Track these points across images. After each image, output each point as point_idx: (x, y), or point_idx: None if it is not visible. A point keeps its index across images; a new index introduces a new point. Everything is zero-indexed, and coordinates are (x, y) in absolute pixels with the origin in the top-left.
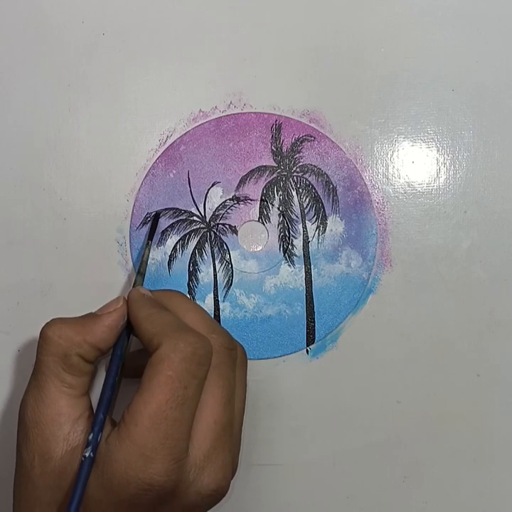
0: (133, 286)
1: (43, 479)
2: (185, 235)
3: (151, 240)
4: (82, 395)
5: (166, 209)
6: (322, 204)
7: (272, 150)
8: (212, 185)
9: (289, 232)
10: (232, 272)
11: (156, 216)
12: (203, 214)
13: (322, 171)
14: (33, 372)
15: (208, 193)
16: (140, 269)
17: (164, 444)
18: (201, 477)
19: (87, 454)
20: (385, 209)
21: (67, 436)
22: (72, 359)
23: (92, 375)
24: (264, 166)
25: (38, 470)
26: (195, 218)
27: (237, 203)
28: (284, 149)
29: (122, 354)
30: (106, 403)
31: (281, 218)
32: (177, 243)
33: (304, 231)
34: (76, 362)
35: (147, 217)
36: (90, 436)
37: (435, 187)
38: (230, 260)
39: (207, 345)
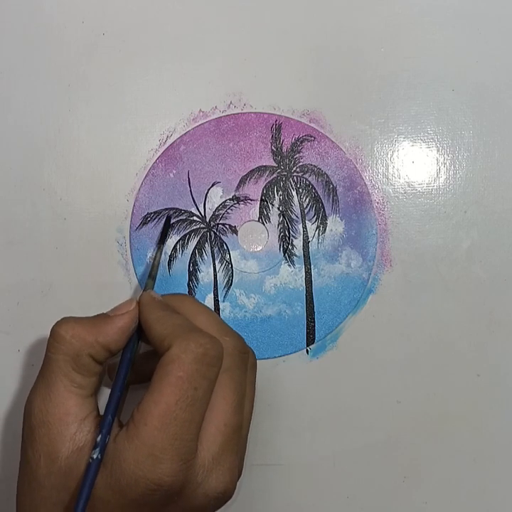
0: (144, 290)
1: (48, 479)
2: (185, 235)
3: (163, 244)
4: (90, 396)
5: (166, 209)
6: (322, 204)
7: (272, 150)
8: (212, 185)
9: (289, 232)
10: (232, 272)
11: (168, 219)
12: (203, 214)
13: (322, 171)
14: (41, 370)
15: (207, 193)
16: (151, 272)
17: (173, 444)
18: (209, 479)
19: (94, 456)
20: (385, 209)
21: (73, 436)
22: (83, 359)
23: (101, 376)
24: (264, 166)
25: (44, 470)
26: (195, 218)
27: (237, 203)
28: (284, 149)
29: (132, 357)
30: (114, 405)
31: (281, 218)
32: (177, 243)
33: (304, 231)
34: (87, 362)
35: (147, 218)
36: (98, 438)
37: (435, 187)
38: (230, 260)
39: (218, 347)
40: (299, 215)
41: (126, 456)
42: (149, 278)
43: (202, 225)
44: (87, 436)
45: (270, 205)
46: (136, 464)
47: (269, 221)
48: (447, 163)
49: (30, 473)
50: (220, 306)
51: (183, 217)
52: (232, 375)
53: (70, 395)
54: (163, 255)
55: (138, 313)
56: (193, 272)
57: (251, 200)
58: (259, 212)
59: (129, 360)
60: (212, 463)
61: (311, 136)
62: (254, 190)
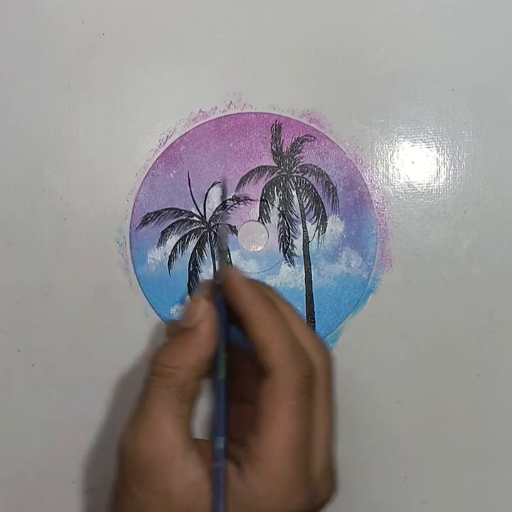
0: (220, 266)
1: None
2: (185, 235)
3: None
4: (190, 423)
5: (166, 209)
6: (322, 204)
7: (272, 150)
8: (212, 185)
9: (289, 232)
10: None
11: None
12: (203, 214)
13: (322, 171)
14: (141, 404)
15: (207, 193)
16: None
17: (301, 473)
18: (320, 494)
19: (219, 493)
20: (385, 209)
21: (182, 470)
22: (189, 385)
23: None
24: (264, 166)
25: (160, 509)
26: (195, 218)
27: (237, 203)
28: (284, 149)
29: (225, 359)
30: (223, 429)
31: (281, 218)
32: (177, 243)
33: (304, 231)
34: (192, 387)
35: (147, 218)
36: (217, 466)
37: (435, 187)
38: (230, 260)
39: (316, 372)
40: (299, 215)
41: (261, 493)
42: (222, 254)
43: (202, 225)
44: (197, 470)
45: (270, 205)
46: (273, 499)
47: (269, 221)
48: (447, 163)
49: None
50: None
51: (183, 217)
52: (326, 390)
53: (176, 429)
54: (162, 255)
55: (212, 311)
56: (193, 272)
57: (251, 200)
58: (259, 212)
59: (223, 363)
60: (322, 477)
61: (311, 136)
62: (254, 190)
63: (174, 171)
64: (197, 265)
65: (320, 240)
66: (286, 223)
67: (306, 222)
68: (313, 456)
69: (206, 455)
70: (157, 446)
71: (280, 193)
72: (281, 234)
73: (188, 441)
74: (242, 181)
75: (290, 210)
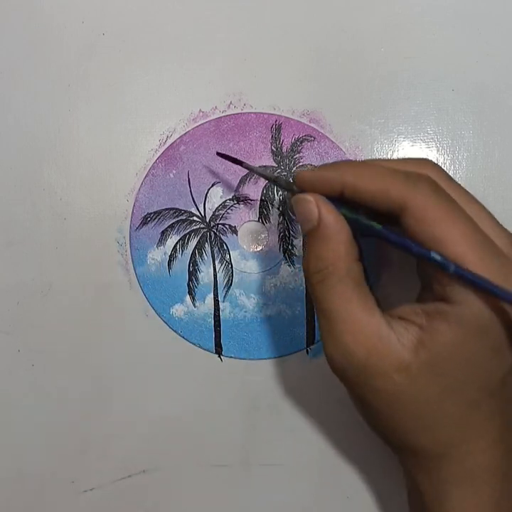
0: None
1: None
2: (185, 235)
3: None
4: (375, 298)
5: (166, 209)
6: None
7: (272, 150)
8: (212, 185)
9: (289, 232)
10: (232, 272)
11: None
12: (203, 214)
13: None
14: (325, 315)
15: (207, 193)
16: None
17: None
18: None
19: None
20: None
21: (396, 347)
22: (353, 269)
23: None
24: (264, 166)
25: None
26: (195, 218)
27: (237, 203)
28: (284, 149)
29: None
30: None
31: (281, 218)
32: (177, 243)
33: None
34: (357, 268)
35: (147, 218)
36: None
37: None
38: (230, 260)
39: None
40: None
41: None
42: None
43: (202, 225)
44: (407, 337)
45: (270, 205)
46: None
47: (269, 221)
48: (447, 163)
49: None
50: (220, 306)
51: (183, 217)
52: None
53: (369, 313)
54: (162, 255)
55: (324, 200)
56: (193, 272)
57: (251, 200)
58: (259, 212)
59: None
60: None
61: (311, 136)
62: (254, 190)
63: (174, 171)
64: (197, 265)
65: None
66: (286, 223)
67: None
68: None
69: (406, 317)
70: (364, 339)
71: (280, 193)
72: (281, 234)
73: (385, 316)
74: (242, 181)
75: (290, 210)
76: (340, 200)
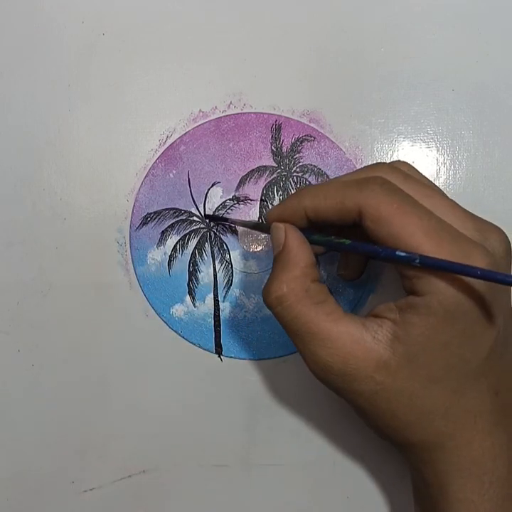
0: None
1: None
2: (185, 235)
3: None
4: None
5: (166, 209)
6: None
7: (272, 150)
8: (212, 185)
9: None
10: (232, 272)
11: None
12: (202, 214)
13: (322, 171)
14: (293, 334)
15: (207, 193)
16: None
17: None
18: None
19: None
20: None
21: (368, 345)
22: (311, 287)
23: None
24: (264, 166)
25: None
26: (195, 218)
27: (237, 203)
28: (284, 149)
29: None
30: None
31: None
32: (177, 243)
33: None
34: (316, 287)
35: (147, 218)
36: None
37: None
38: (230, 260)
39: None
40: None
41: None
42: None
43: (202, 225)
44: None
45: (270, 205)
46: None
47: None
48: (447, 163)
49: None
50: (220, 306)
51: (183, 217)
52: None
53: (339, 322)
54: (162, 255)
55: (292, 227)
56: (193, 272)
57: (251, 200)
58: (259, 212)
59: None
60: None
61: (311, 136)
62: (254, 190)
63: (174, 171)
64: (197, 265)
65: None
66: None
67: None
68: None
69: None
70: (338, 349)
71: (280, 193)
72: None
73: (357, 319)
74: (242, 181)
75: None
76: (312, 227)
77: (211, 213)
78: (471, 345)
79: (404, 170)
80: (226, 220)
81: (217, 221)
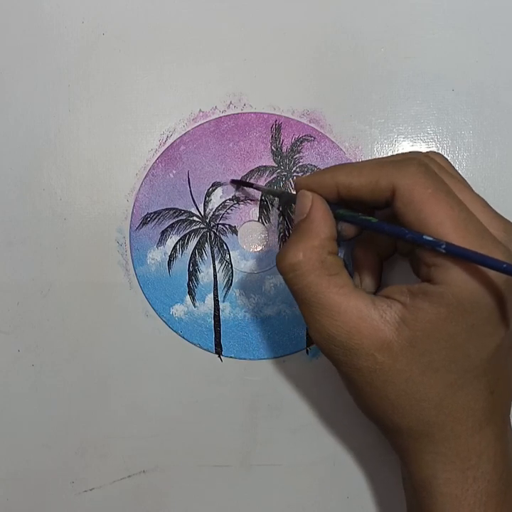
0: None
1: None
2: (185, 235)
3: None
4: (350, 278)
5: (166, 209)
6: None
7: (272, 150)
8: (212, 185)
9: (289, 232)
10: (232, 272)
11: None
12: (202, 214)
13: None
14: (304, 303)
15: (207, 193)
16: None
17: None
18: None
19: None
20: None
21: (378, 327)
22: (327, 259)
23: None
24: (264, 166)
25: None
26: (195, 218)
27: (237, 203)
28: (284, 149)
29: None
30: None
31: (281, 218)
32: (177, 243)
33: None
34: (332, 259)
35: (147, 218)
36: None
37: None
38: (230, 260)
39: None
40: None
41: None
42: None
43: (202, 225)
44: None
45: (270, 205)
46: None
47: (269, 221)
48: None
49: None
50: (220, 306)
51: (183, 217)
52: None
53: (345, 296)
54: (162, 255)
55: (319, 198)
56: (193, 272)
57: (251, 200)
58: (259, 212)
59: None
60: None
61: (311, 136)
62: (254, 190)
63: (174, 171)
64: (197, 265)
65: None
66: (286, 223)
67: None
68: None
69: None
70: (344, 322)
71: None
72: (281, 234)
73: (367, 296)
74: None
75: (290, 210)
76: (341, 203)
77: (211, 213)
78: (477, 343)
79: (438, 161)
80: (251, 185)
81: (242, 185)
